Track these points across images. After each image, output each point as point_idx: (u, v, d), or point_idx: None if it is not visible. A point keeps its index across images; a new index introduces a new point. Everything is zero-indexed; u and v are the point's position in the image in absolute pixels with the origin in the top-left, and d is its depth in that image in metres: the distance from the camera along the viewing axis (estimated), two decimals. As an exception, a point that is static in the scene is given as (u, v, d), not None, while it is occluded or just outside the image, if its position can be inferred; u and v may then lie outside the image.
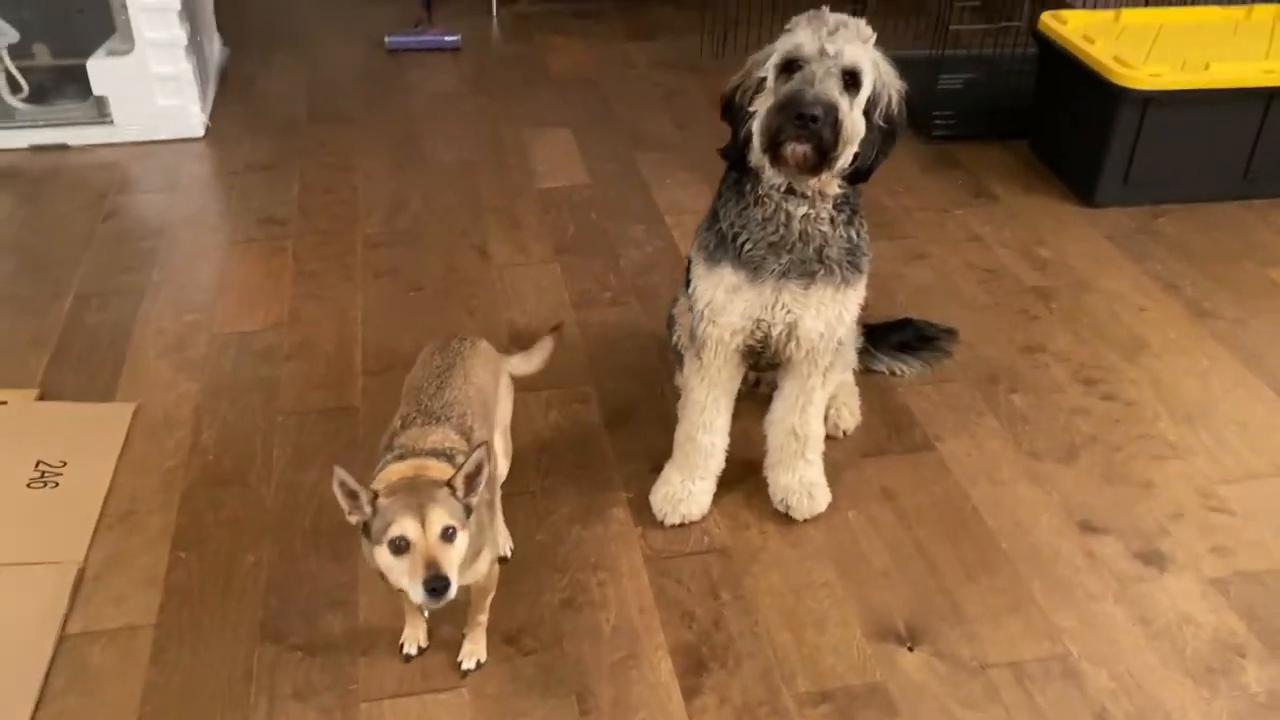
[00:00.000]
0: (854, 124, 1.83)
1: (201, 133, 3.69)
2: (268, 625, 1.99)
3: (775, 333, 2.05)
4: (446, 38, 4.47)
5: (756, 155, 1.91)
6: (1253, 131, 3.36)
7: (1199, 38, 3.47)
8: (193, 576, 2.09)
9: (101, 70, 3.51)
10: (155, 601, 2.03)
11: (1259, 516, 2.27)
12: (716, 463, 2.25)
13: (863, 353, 2.63)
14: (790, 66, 1.82)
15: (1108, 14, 3.62)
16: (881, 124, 1.89)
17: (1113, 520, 2.25)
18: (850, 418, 2.50)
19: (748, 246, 1.97)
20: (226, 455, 2.37)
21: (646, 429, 2.47)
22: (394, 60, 4.39)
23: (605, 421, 2.51)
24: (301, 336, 2.74)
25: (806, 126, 1.78)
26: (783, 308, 2.01)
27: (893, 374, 2.69)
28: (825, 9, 1.87)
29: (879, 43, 1.88)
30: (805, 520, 2.24)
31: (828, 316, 2.03)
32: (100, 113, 3.58)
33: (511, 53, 4.53)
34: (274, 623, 2.00)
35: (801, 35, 1.81)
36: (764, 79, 1.87)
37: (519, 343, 2.73)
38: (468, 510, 1.59)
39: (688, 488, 2.23)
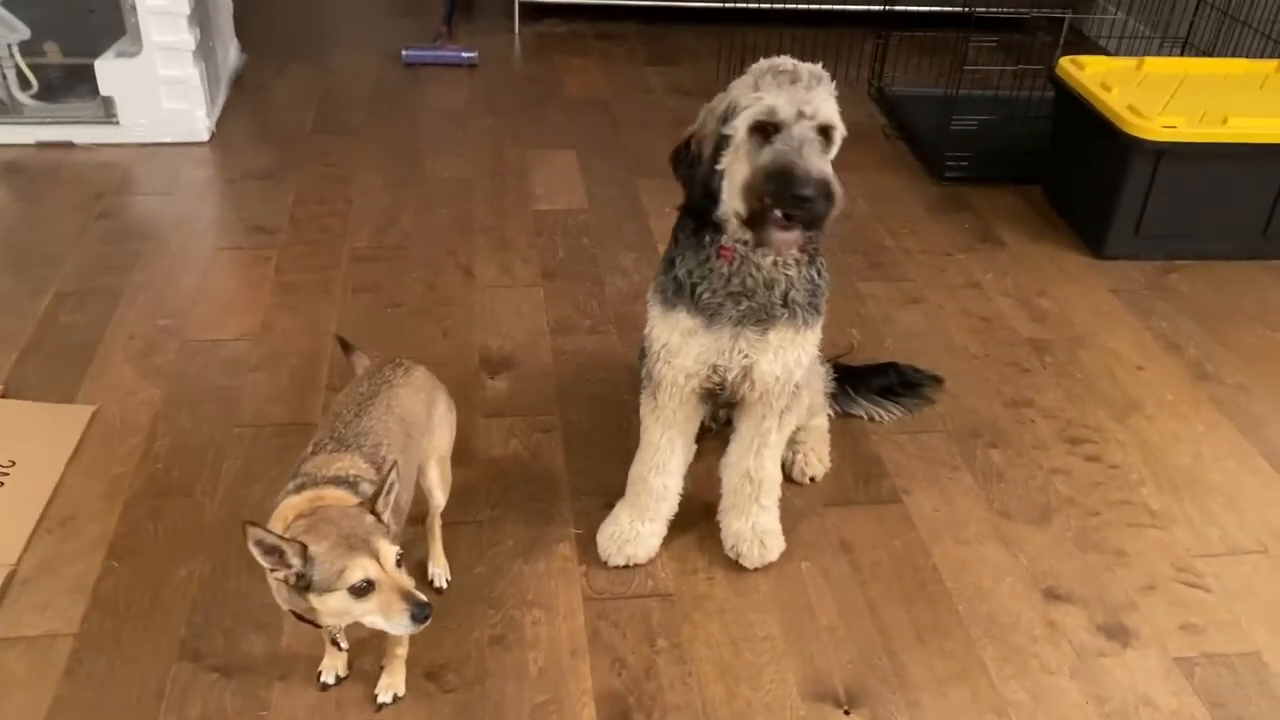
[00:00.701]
0: (838, 187, 1.75)
1: (206, 137, 3.69)
2: (188, 643, 1.94)
3: (731, 376, 1.99)
4: (464, 54, 4.44)
5: (724, 211, 1.84)
6: (1273, 189, 3.23)
7: (1223, 90, 3.35)
8: (121, 587, 2.05)
9: (109, 71, 3.52)
10: (80, 610, 1.99)
11: (1235, 595, 2.15)
12: (669, 505, 2.18)
13: (841, 396, 2.56)
14: (764, 128, 1.75)
15: (1130, 61, 3.52)
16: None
17: (1079, 589, 2.15)
18: (819, 464, 2.41)
19: (706, 295, 1.91)
20: (176, 465, 2.34)
21: (607, 463, 2.39)
22: (409, 74, 4.37)
23: (565, 453, 2.44)
24: (271, 348, 2.70)
25: (800, 206, 1.71)
26: (740, 352, 1.95)
27: (871, 419, 2.60)
28: (787, 58, 1.81)
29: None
30: (756, 569, 2.16)
31: (785, 360, 1.97)
32: (107, 113, 3.59)
33: (528, 72, 4.49)
34: (194, 640, 1.95)
35: (776, 97, 1.73)
36: (728, 136, 1.79)
37: (489, 367, 2.69)
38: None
39: (636, 529, 2.16)
